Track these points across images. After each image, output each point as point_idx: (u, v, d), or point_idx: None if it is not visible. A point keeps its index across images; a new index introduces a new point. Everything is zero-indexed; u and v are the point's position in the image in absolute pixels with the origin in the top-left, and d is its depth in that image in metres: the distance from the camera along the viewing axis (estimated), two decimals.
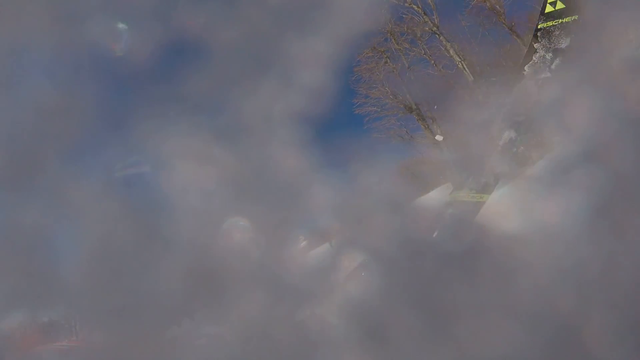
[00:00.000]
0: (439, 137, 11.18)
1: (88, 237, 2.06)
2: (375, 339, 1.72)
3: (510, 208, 2.35)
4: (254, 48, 2.32)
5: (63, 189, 2.03)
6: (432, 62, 12.42)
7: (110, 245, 2.02)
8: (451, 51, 11.83)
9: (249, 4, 2.35)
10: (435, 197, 12.56)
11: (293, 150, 2.32)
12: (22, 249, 1.94)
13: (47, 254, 2.00)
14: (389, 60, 12.79)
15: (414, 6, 11.90)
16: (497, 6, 11.50)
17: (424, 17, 12.01)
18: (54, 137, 2.09)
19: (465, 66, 11.55)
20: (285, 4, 2.33)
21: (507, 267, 1.76)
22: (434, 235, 2.07)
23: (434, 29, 11.97)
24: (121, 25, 2.18)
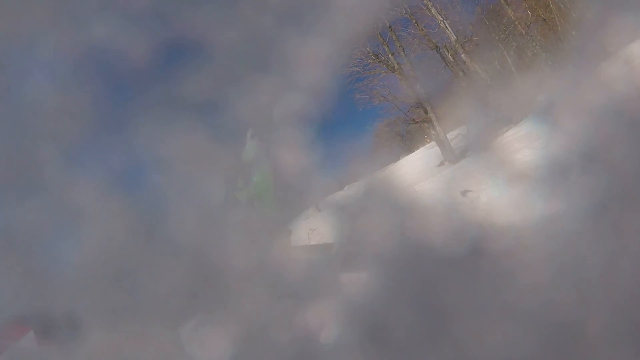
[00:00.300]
0: None
1: (87, 237, 2.05)
2: (374, 339, 1.77)
3: (510, 208, 2.42)
4: (251, 44, 2.37)
5: (63, 189, 2.06)
6: (414, 21, 12.35)
7: (109, 245, 2.03)
8: (433, 10, 11.76)
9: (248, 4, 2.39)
10: (419, 156, 12.81)
11: (293, 149, 2.39)
12: (22, 249, 1.98)
13: (47, 254, 2.04)
14: None
15: None
16: None
17: None
18: (54, 137, 2.11)
19: (447, 25, 11.54)
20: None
21: (507, 267, 1.79)
22: (434, 236, 2.12)
23: None
24: None
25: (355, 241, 2.22)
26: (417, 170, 11.08)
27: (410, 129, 12.66)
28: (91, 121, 2.13)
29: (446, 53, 11.78)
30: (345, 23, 2.57)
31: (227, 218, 2.28)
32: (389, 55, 12.64)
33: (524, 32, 10.83)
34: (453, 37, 11.40)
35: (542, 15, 10.95)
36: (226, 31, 2.38)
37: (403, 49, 12.49)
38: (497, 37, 11.29)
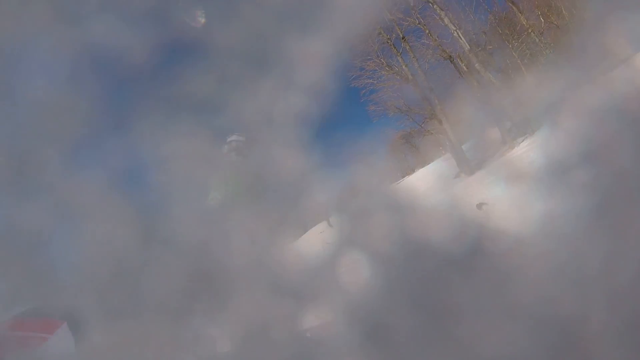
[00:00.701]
0: None
1: (86, 237, 2.06)
2: (374, 339, 1.75)
3: (510, 208, 2.36)
4: (254, 43, 2.33)
5: (63, 189, 2.05)
6: (427, 31, 12.27)
7: (109, 245, 2.03)
8: (446, 20, 11.66)
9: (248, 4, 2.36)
10: (435, 168, 12.64)
11: (293, 148, 2.35)
12: (22, 249, 1.97)
13: (47, 254, 2.04)
14: (382, 31, 12.62)
15: None
16: None
17: None
18: (54, 137, 2.11)
19: (460, 35, 11.41)
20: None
21: (507, 267, 1.78)
22: (434, 236, 2.08)
23: None
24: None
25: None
26: (432, 183, 10.91)
27: (425, 140, 12.51)
28: (91, 121, 2.11)
29: (460, 63, 11.65)
30: (359, 30, 2.56)
31: (226, 217, 2.26)
32: (403, 67, 12.57)
33: (537, 40, 10.64)
34: (466, 47, 11.27)
35: (555, 22, 10.76)
36: (228, 34, 2.37)
37: (417, 59, 12.42)
38: (510, 45, 11.13)
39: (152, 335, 1.93)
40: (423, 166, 12.98)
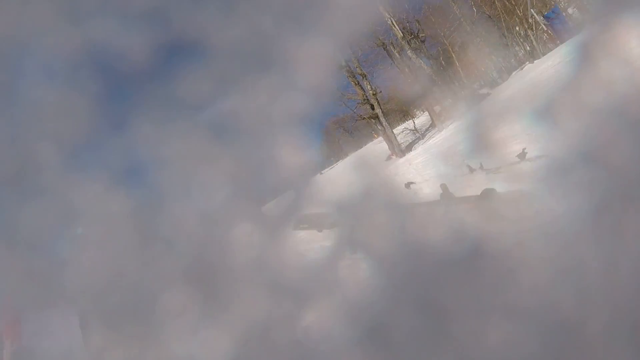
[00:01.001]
0: None
1: (86, 237, 2.08)
2: (374, 339, 1.77)
3: (509, 208, 2.44)
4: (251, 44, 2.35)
5: (63, 189, 2.01)
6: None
7: (108, 245, 2.04)
8: (380, 8, 11.87)
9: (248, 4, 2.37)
10: (367, 152, 12.90)
11: (292, 148, 2.37)
12: (22, 249, 1.92)
13: (46, 254, 2.02)
14: None
15: None
16: None
17: None
18: (54, 137, 2.06)
19: (394, 22, 11.69)
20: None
21: (507, 268, 1.79)
22: (434, 236, 2.13)
23: None
24: None
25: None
26: (365, 165, 11.14)
27: (358, 125, 12.74)
28: (91, 121, 2.12)
29: (393, 50, 11.93)
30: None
31: (225, 218, 2.25)
32: (336, 53, 12.64)
33: (468, 29, 11.10)
34: (399, 34, 11.55)
35: (487, 12, 11.28)
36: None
37: (350, 46, 12.56)
38: (442, 34, 11.55)
39: (149, 337, 1.95)
40: (356, 150, 13.19)
